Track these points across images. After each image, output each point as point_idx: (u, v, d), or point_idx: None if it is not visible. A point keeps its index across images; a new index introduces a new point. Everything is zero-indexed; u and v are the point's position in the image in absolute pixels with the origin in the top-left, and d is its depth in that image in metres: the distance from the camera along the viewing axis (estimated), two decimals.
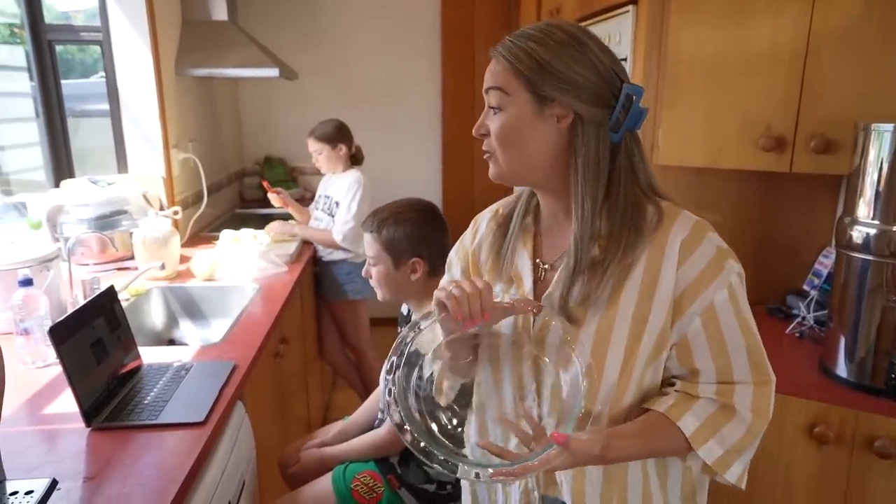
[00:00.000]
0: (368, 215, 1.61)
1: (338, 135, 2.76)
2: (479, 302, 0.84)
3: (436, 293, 0.89)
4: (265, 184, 2.95)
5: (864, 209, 1.32)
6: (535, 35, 0.88)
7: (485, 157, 0.94)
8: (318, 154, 2.80)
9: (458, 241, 1.12)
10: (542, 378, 0.93)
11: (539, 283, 0.97)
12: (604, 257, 0.88)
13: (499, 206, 1.08)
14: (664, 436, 0.88)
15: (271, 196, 2.89)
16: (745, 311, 0.89)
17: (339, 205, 2.76)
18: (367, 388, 2.98)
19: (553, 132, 0.89)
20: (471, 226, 1.11)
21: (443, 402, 0.98)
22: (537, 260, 0.98)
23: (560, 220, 0.97)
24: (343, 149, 2.78)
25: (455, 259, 1.10)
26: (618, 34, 1.86)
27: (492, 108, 0.91)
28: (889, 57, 1.41)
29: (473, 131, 0.94)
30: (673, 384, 0.92)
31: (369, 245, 1.58)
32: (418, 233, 1.54)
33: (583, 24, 2.18)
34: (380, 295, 1.63)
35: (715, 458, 0.87)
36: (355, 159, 2.86)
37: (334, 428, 1.84)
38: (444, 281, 1.09)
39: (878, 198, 1.29)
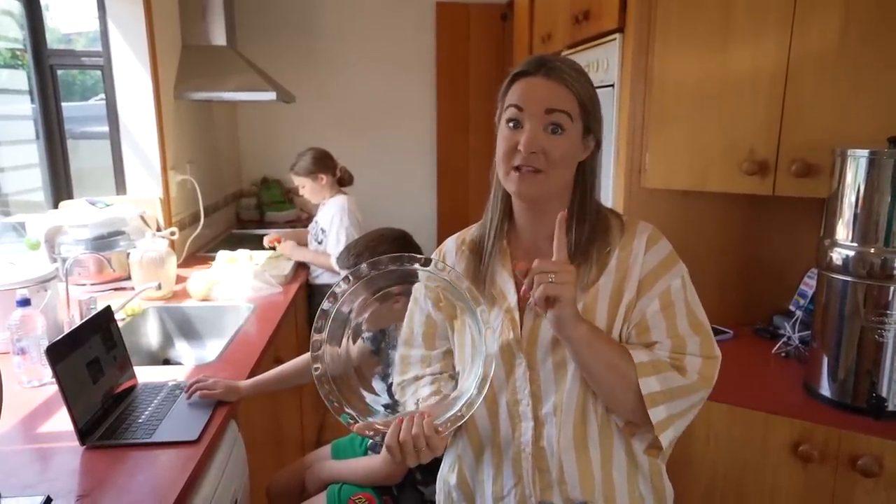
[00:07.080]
0: (342, 251, 1.59)
1: (316, 166, 2.78)
2: (423, 440, 0.92)
3: (387, 441, 0.96)
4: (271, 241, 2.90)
5: (842, 231, 1.36)
6: (579, 68, 0.97)
7: (526, 171, 0.94)
8: (302, 188, 2.85)
9: None
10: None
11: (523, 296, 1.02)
12: (587, 250, 0.99)
13: (463, 235, 1.11)
14: (626, 359, 0.95)
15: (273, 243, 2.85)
16: (695, 300, 1.00)
17: (324, 232, 2.78)
18: None
19: (581, 157, 1.00)
20: (435, 255, 1.12)
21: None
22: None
23: (541, 236, 1.02)
24: (324, 178, 2.80)
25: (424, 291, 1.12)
26: (605, 61, 1.91)
27: (553, 126, 0.93)
28: (863, 83, 1.45)
29: (526, 147, 0.92)
30: None
31: None
32: None
33: (571, 51, 2.25)
34: None
35: (659, 418, 0.93)
36: (342, 181, 2.88)
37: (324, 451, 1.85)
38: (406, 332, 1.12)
39: (855, 220, 1.33)
